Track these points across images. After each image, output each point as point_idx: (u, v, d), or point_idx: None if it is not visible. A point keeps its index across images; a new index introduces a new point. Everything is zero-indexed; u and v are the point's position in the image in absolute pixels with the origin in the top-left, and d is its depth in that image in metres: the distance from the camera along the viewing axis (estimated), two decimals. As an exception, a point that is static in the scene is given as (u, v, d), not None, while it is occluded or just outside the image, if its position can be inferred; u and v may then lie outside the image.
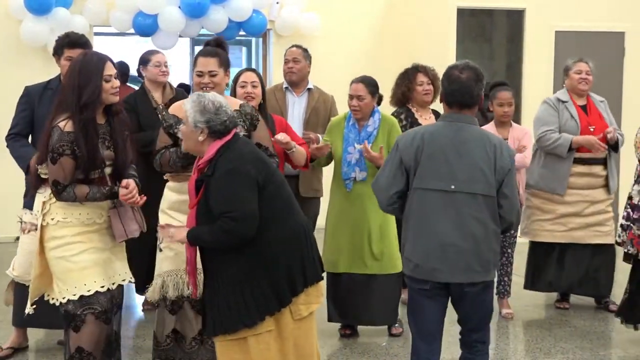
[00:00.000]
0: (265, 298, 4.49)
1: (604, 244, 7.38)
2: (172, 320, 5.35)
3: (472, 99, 4.54)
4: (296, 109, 7.18)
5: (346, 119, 6.53)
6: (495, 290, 7.29)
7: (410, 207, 4.53)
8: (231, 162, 4.49)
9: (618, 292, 7.53)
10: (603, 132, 7.19)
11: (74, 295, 4.86)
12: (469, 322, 4.66)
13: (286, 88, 7.26)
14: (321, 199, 7.30)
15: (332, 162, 6.58)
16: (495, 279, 7.21)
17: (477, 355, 4.68)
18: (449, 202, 4.44)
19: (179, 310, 5.33)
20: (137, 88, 7.67)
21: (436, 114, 7.44)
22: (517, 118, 9.19)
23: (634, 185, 6.47)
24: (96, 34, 10.66)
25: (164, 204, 5.40)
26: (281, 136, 5.99)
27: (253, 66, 12.15)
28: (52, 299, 5.02)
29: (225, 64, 5.42)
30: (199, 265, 4.68)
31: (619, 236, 6.59)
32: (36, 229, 5.00)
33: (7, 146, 6.04)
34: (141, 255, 6.05)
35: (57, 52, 5.88)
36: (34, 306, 5.08)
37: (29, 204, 5.44)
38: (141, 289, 6.48)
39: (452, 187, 4.43)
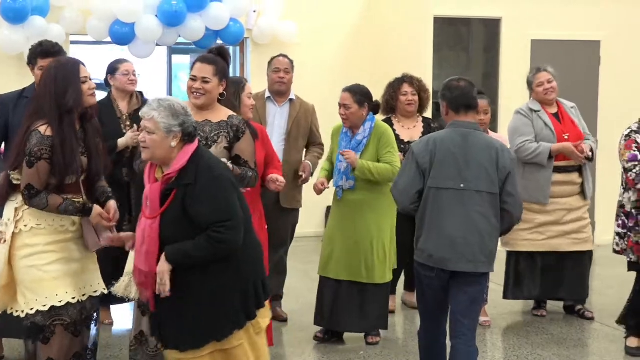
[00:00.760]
0: (236, 312, 4.44)
1: (580, 251, 7.39)
2: (143, 320, 5.36)
3: (474, 101, 5.21)
4: (277, 120, 7.15)
5: (342, 126, 6.58)
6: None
7: (426, 204, 5.05)
8: (214, 169, 4.42)
9: (594, 299, 7.58)
10: (577, 142, 7.23)
11: (44, 305, 4.80)
12: (460, 312, 5.07)
13: (268, 97, 7.22)
14: (300, 209, 7.34)
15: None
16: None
17: (458, 341, 5.08)
18: (459, 199, 4.99)
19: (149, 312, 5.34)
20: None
21: (426, 121, 7.47)
22: (493, 126, 9.22)
23: (623, 193, 6.51)
24: (73, 42, 10.62)
25: None
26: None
27: (230, 75, 12.10)
28: (16, 311, 4.94)
29: (222, 74, 5.39)
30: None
31: (617, 244, 6.61)
32: (5, 241, 4.92)
33: None
34: (106, 260, 5.98)
35: (31, 62, 5.84)
36: None
37: None
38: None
39: (462, 185, 4.99)
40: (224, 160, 5.12)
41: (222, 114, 5.36)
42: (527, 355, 6.58)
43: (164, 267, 4.35)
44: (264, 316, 4.65)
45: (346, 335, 6.77)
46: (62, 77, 4.82)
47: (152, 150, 4.43)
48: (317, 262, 6.73)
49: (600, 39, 10.57)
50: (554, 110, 7.46)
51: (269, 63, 7.34)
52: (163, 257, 4.35)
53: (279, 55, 7.35)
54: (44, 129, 4.75)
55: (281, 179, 6.11)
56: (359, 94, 6.46)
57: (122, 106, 7.01)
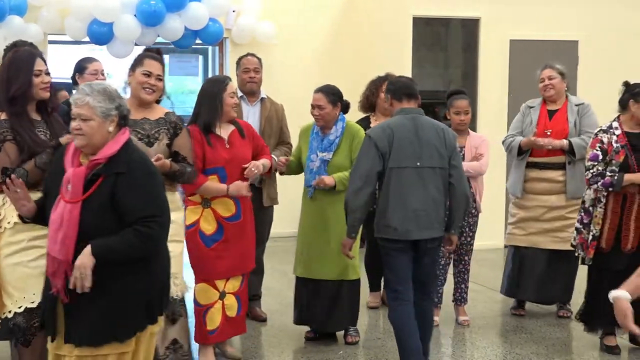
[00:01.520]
0: (140, 314, 4.24)
1: (564, 250, 7.36)
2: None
3: (414, 90, 5.84)
4: (250, 119, 7.15)
5: (312, 126, 6.57)
6: (452, 298, 7.38)
7: (389, 183, 5.58)
8: (150, 165, 4.29)
9: (573, 298, 7.60)
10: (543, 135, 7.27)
11: (32, 302, 4.78)
12: (425, 274, 5.78)
13: (242, 97, 7.22)
14: (279, 209, 7.34)
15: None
16: (452, 287, 7.33)
17: (427, 301, 5.87)
18: (417, 176, 5.59)
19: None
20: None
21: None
22: (472, 126, 9.24)
23: (586, 189, 6.55)
24: (51, 42, 10.58)
25: None
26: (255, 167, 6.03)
27: (210, 74, 12.11)
28: (3, 313, 4.90)
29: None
30: None
31: (574, 239, 6.67)
32: None
33: None
34: None
35: None
36: None
37: None
38: None
39: (418, 163, 5.59)
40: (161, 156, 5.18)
41: (160, 111, 5.46)
42: (506, 354, 6.61)
43: (87, 261, 4.03)
44: (159, 324, 4.46)
45: (325, 335, 6.77)
46: (15, 67, 4.89)
47: (88, 137, 4.16)
48: (293, 262, 6.74)
49: (578, 39, 10.62)
50: (555, 107, 7.46)
51: (238, 63, 7.35)
52: (87, 250, 4.05)
53: (247, 55, 7.36)
54: (1, 115, 4.83)
55: (255, 163, 6.06)
56: (332, 93, 6.49)
57: None
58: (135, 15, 9.83)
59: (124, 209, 4.08)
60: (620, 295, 3.87)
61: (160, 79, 5.41)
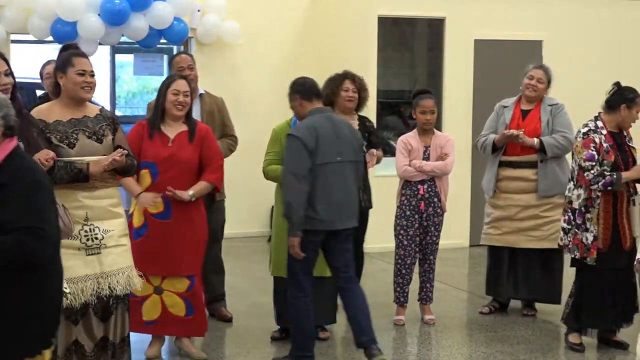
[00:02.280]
0: (32, 337, 3.91)
1: (547, 250, 7.36)
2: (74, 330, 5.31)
3: (320, 91, 6.26)
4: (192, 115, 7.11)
5: (290, 125, 6.54)
6: (417, 297, 7.40)
7: (316, 179, 5.87)
8: (35, 173, 4.00)
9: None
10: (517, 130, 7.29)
11: None
12: (348, 259, 6.13)
13: None
14: (246, 210, 7.28)
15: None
16: (418, 286, 7.35)
17: (354, 284, 6.16)
18: (339, 170, 5.96)
19: (82, 318, 5.32)
20: None
21: (362, 119, 7.48)
22: (438, 125, 9.27)
23: (572, 189, 6.53)
24: (14, 41, 10.48)
25: None
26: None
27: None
28: None
29: None
30: None
31: (561, 239, 6.67)
32: None
33: None
34: None
35: None
36: None
37: None
38: None
39: (339, 158, 5.95)
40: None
41: (94, 108, 5.47)
42: (471, 352, 6.63)
43: None
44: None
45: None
46: None
47: None
48: (261, 262, 6.74)
49: (542, 38, 10.68)
50: (529, 107, 7.47)
51: (171, 63, 7.22)
52: None
53: (180, 53, 7.32)
54: None
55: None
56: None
57: None
58: (99, 15, 9.76)
59: (3, 218, 3.80)
60: None
61: (93, 74, 5.38)
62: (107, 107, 8.35)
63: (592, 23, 10.91)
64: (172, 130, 6.01)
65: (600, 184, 6.32)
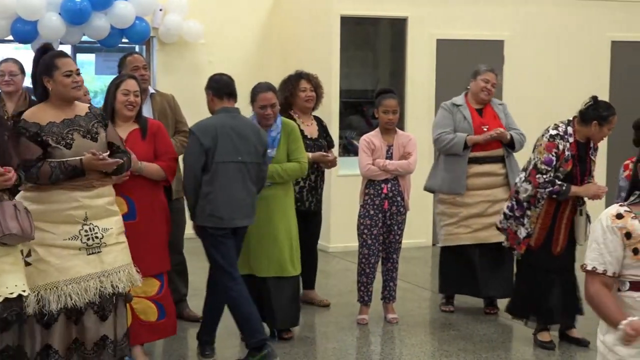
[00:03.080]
0: None
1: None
2: (46, 334, 5.25)
3: (235, 90, 6.28)
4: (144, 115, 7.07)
5: None
6: (380, 296, 7.42)
7: (215, 177, 6.03)
8: None
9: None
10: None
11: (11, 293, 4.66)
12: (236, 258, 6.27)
13: None
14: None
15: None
16: (381, 285, 7.36)
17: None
18: (239, 170, 6.06)
19: (83, 317, 5.28)
20: None
21: (318, 119, 7.50)
22: (400, 125, 9.30)
23: (522, 181, 6.57)
24: (-27, 40, 10.38)
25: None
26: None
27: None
28: None
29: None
30: None
31: (500, 222, 6.77)
32: None
33: None
34: None
35: None
36: None
37: None
38: None
39: (239, 158, 6.06)
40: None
41: (83, 106, 5.48)
42: (434, 351, 6.66)
43: None
44: None
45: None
46: None
47: None
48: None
49: (503, 38, 10.76)
50: (479, 106, 7.52)
51: (124, 63, 7.08)
52: None
53: (132, 53, 7.25)
54: None
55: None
56: (276, 90, 6.70)
57: (9, 106, 7.09)
58: (60, 14, 9.68)
59: None
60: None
61: (79, 72, 5.40)
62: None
63: (553, 23, 11.00)
64: (123, 130, 5.94)
65: (547, 190, 6.40)
